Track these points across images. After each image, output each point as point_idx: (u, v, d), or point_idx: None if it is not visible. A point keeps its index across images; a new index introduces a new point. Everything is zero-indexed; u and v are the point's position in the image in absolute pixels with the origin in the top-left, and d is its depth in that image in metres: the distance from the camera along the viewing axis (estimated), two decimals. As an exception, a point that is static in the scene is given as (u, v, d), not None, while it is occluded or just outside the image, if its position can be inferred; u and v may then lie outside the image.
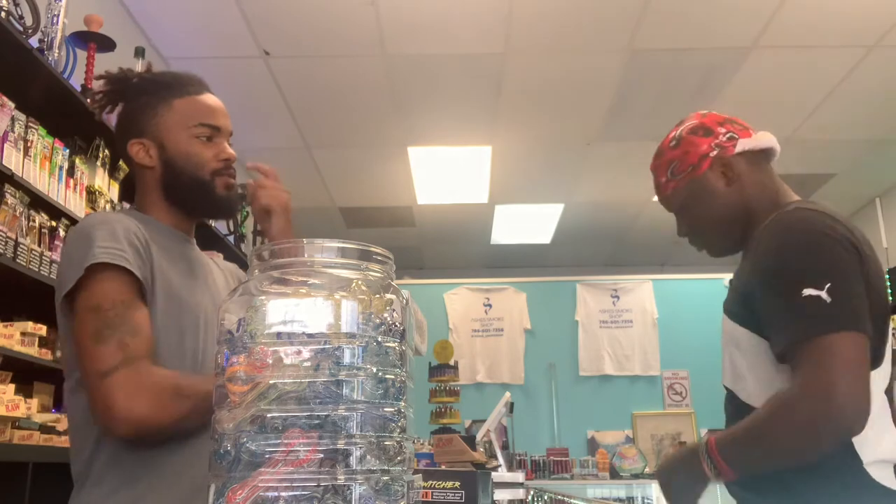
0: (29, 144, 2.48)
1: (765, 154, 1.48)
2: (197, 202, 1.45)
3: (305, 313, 0.74)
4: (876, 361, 1.26)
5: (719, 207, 1.44)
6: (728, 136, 1.45)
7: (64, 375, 1.34)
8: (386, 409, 0.74)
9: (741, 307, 1.37)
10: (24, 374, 2.50)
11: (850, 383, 1.16)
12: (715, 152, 1.44)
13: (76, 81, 2.78)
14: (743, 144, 1.44)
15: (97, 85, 1.50)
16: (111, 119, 1.55)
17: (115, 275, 1.23)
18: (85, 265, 1.22)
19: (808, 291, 1.19)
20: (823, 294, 1.19)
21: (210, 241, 3.89)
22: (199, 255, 1.51)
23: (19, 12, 2.44)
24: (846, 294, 1.20)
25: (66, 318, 1.28)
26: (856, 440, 1.23)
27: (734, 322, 1.38)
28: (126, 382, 1.16)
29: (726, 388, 1.44)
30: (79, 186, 2.79)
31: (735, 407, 1.40)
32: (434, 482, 1.33)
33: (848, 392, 1.15)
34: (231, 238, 4.46)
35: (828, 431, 1.17)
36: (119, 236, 1.27)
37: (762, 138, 1.47)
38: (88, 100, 1.51)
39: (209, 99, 1.46)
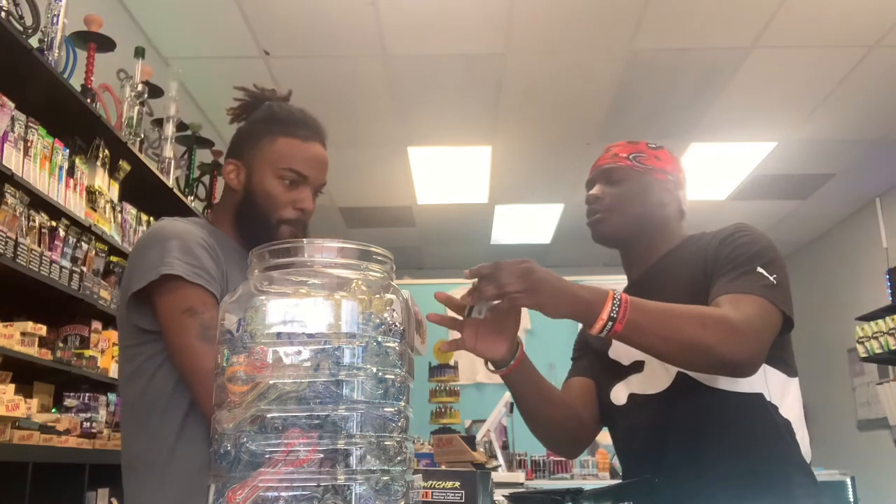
0: (29, 144, 2.48)
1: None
2: (258, 238, 1.48)
3: (305, 313, 0.74)
4: (795, 373, 1.45)
5: (651, 208, 1.56)
6: (684, 178, 1.61)
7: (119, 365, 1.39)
8: (386, 409, 0.74)
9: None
10: (24, 374, 2.49)
11: (765, 344, 1.30)
12: (672, 181, 1.58)
13: (76, 81, 2.77)
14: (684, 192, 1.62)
15: (239, 93, 1.53)
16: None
17: (193, 283, 1.29)
18: (161, 272, 1.27)
19: (761, 270, 1.35)
20: (771, 279, 1.35)
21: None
22: None
23: (19, 12, 2.44)
24: (787, 290, 1.37)
25: (130, 313, 1.33)
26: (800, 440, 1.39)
27: None
28: None
29: (686, 377, 1.42)
30: (79, 186, 2.79)
31: (696, 392, 1.40)
32: (434, 482, 1.33)
33: (761, 349, 1.29)
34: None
35: (726, 354, 1.26)
36: (194, 250, 1.32)
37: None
38: (232, 107, 1.54)
39: (312, 149, 1.48)
